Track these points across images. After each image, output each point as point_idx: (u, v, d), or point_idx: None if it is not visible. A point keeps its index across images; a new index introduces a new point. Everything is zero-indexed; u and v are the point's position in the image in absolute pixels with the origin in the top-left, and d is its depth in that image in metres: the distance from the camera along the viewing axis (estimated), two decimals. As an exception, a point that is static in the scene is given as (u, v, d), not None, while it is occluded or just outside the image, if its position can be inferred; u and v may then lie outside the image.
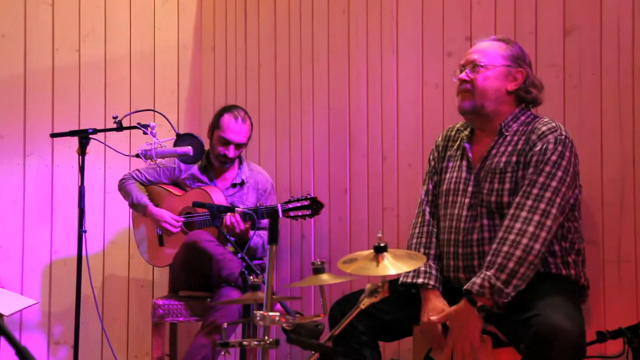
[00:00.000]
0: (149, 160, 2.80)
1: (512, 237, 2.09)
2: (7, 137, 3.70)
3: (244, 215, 3.01)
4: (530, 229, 2.08)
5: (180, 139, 2.83)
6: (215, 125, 3.28)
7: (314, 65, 3.40)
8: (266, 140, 3.62)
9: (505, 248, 2.09)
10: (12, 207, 3.66)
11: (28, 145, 3.73)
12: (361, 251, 1.96)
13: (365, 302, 1.95)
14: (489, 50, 2.29)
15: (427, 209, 2.42)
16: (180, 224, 3.21)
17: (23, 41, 3.72)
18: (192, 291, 3.17)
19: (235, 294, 2.93)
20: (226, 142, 3.24)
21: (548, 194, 2.10)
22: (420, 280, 2.26)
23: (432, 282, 2.27)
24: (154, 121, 2.83)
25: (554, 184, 2.11)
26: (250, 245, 3.17)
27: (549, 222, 2.09)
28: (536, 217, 2.09)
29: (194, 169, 3.34)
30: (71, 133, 2.94)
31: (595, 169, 2.42)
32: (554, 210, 2.10)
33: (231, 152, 3.25)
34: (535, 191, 2.11)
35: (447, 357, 2.17)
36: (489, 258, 2.11)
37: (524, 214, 2.10)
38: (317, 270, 2.10)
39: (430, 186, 2.45)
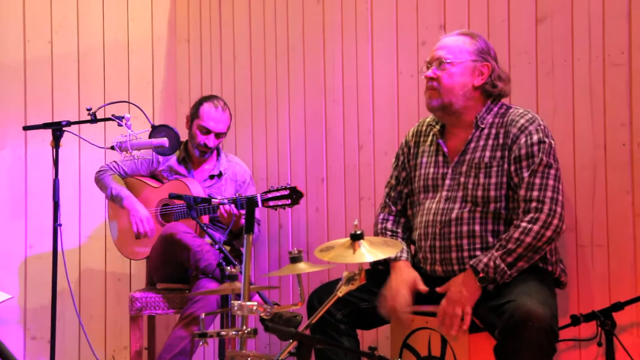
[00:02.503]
0: (124, 153, 2.77)
1: (524, 224, 2.13)
2: (-22, 131, 3.65)
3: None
4: (542, 216, 2.12)
5: (156, 131, 2.80)
6: (195, 114, 3.26)
7: (289, 55, 3.39)
8: (242, 131, 3.60)
9: (516, 235, 2.13)
10: (-15, 202, 3.62)
11: (0, 139, 3.67)
12: (338, 239, 1.97)
13: (342, 290, 1.96)
14: (454, 46, 2.29)
15: (391, 204, 2.44)
16: (152, 224, 3.19)
17: (-8, 33, 3.67)
18: (170, 283, 3.16)
19: (213, 285, 2.92)
20: (206, 131, 3.22)
21: (551, 182, 2.15)
22: (392, 255, 2.27)
23: (404, 255, 2.29)
24: (129, 113, 2.80)
25: (552, 172, 2.17)
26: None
27: (558, 209, 2.14)
28: (546, 206, 2.13)
29: (172, 160, 3.32)
30: (44, 125, 2.90)
31: (567, 156, 2.45)
32: (559, 197, 2.16)
33: (211, 141, 3.23)
34: (537, 181, 2.15)
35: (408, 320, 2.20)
36: (500, 242, 2.15)
37: (533, 204, 2.14)
38: (294, 259, 2.10)
39: (394, 181, 2.46)
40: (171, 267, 3.11)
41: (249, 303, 2.00)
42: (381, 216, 2.46)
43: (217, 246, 2.73)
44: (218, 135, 3.25)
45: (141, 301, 3.07)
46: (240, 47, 3.62)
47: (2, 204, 3.68)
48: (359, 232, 1.93)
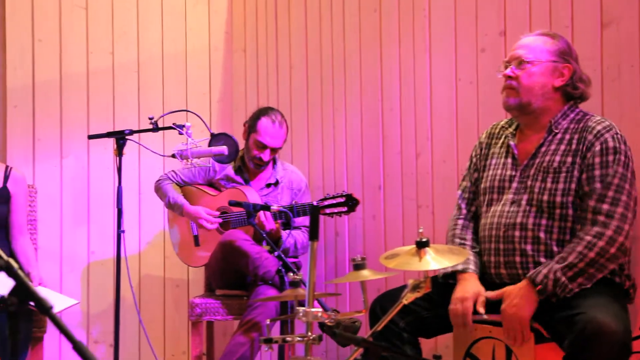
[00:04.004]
0: (184, 161, 2.81)
1: (588, 238, 2.08)
2: (44, 139, 3.76)
3: (275, 215, 3.02)
4: (609, 232, 2.06)
5: (215, 139, 2.84)
6: (252, 128, 3.28)
7: (345, 64, 3.40)
8: (299, 140, 3.63)
9: (579, 248, 2.07)
10: (50, 209, 3.71)
11: (65, 147, 3.78)
12: (403, 247, 1.96)
13: (408, 297, 1.95)
14: (534, 45, 2.25)
15: (464, 205, 2.40)
16: (217, 220, 3.22)
17: (59, 45, 3.77)
18: (229, 290, 3.19)
19: (272, 292, 2.94)
20: (262, 146, 3.25)
21: (624, 197, 2.08)
22: (459, 267, 2.25)
23: (471, 267, 2.25)
24: (188, 122, 2.84)
25: (626, 187, 2.10)
26: (285, 245, 3.18)
27: (626, 227, 2.08)
28: (614, 222, 2.07)
29: (229, 169, 3.35)
30: (109, 134, 2.96)
31: (636, 163, 2.38)
32: (629, 215, 2.09)
33: (266, 155, 3.26)
34: (610, 194, 2.09)
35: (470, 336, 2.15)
36: (561, 255, 2.09)
37: (601, 218, 2.08)
38: (358, 266, 2.10)
39: (468, 183, 2.43)
40: (230, 274, 3.14)
41: (313, 309, 2.01)
42: (452, 222, 2.43)
43: (275, 253, 2.74)
44: (274, 150, 3.28)
45: (201, 307, 3.11)
46: (297, 56, 3.65)
47: (66, 211, 3.77)
48: (424, 240, 1.92)
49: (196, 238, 3.32)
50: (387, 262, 1.94)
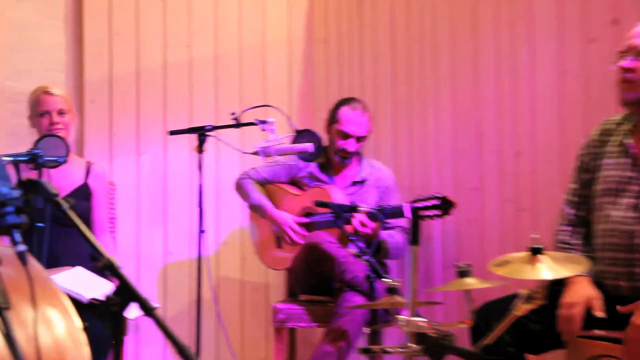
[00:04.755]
0: (267, 158, 2.84)
1: None
2: (120, 134, 3.86)
3: (370, 215, 3.02)
4: None
5: (299, 136, 2.85)
6: (333, 119, 3.30)
7: (436, 55, 3.38)
8: (384, 137, 3.62)
9: None
10: (127, 207, 3.80)
11: (142, 143, 3.87)
12: (514, 253, 1.94)
13: (520, 309, 1.93)
14: None
15: (571, 209, 2.35)
16: (303, 233, 3.25)
17: (136, 38, 3.87)
18: (313, 295, 3.21)
19: (359, 298, 2.94)
20: (346, 136, 3.26)
21: None
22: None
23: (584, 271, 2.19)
24: (270, 118, 2.86)
25: None
26: (389, 246, 3.18)
27: None
28: None
29: (313, 166, 3.37)
30: (190, 130, 3.01)
31: None
32: None
33: (351, 145, 3.27)
34: None
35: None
36: None
37: None
38: (463, 274, 2.09)
39: (577, 185, 2.37)
40: (314, 278, 3.15)
41: (416, 318, 2.01)
42: (558, 227, 2.37)
43: (365, 257, 2.74)
44: (358, 140, 3.27)
45: (284, 313, 3.14)
46: (383, 48, 3.64)
47: (143, 208, 3.87)
48: (539, 246, 1.90)
49: (278, 240, 3.36)
50: (497, 270, 1.92)
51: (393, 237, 3.22)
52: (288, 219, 3.26)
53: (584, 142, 2.40)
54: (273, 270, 3.59)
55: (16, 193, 1.34)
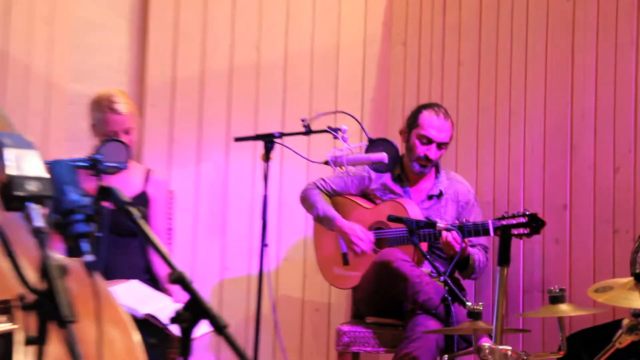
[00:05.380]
0: (337, 168, 2.84)
1: None
2: (182, 141, 3.92)
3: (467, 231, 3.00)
4: None
5: (373, 145, 2.85)
6: (413, 124, 3.30)
7: (527, 60, 3.35)
8: (466, 146, 3.59)
9: None
10: (184, 217, 3.84)
11: (203, 150, 3.93)
12: (618, 278, 1.90)
13: (623, 340, 1.88)
14: None
15: None
16: (372, 243, 3.23)
17: (202, 39, 3.93)
18: (381, 318, 3.18)
19: (434, 323, 2.91)
20: (428, 141, 3.25)
21: None
22: None
23: None
24: (343, 125, 2.86)
25: None
26: (475, 264, 3.16)
27: None
28: None
29: (386, 178, 3.36)
30: (257, 137, 3.03)
31: None
32: None
33: (433, 152, 3.25)
34: None
35: None
36: None
37: None
38: (555, 299, 2.05)
39: None
40: (384, 299, 3.13)
41: (501, 347, 1.96)
42: None
43: (442, 278, 2.70)
44: (440, 146, 3.26)
45: (349, 335, 3.12)
46: (467, 52, 3.63)
47: (201, 219, 3.91)
48: None
49: (345, 256, 3.35)
50: (597, 296, 1.88)
51: (476, 255, 3.18)
52: (356, 228, 3.25)
53: None
54: (337, 289, 3.58)
55: (87, 200, 1.35)
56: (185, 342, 1.38)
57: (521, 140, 3.35)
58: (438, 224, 2.91)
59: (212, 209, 3.91)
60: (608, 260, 2.98)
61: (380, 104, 4.00)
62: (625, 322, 1.82)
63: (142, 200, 3.19)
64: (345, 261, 3.34)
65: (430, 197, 3.33)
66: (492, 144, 3.48)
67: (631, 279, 1.83)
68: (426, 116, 3.27)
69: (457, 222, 3.14)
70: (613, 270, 2.93)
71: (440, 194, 3.32)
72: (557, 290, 1.97)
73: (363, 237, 3.23)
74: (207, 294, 3.87)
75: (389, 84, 3.99)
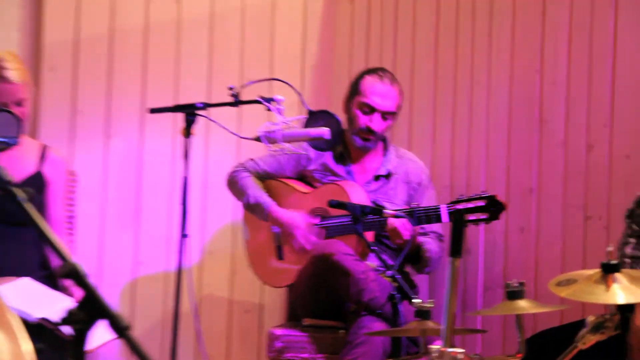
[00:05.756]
0: (271, 145, 2.82)
1: None
2: (87, 112, 3.85)
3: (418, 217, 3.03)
4: None
5: (313, 118, 2.85)
6: (354, 90, 3.32)
7: (491, 22, 3.39)
8: (421, 122, 3.62)
9: None
10: (89, 202, 3.78)
11: (113, 124, 3.86)
12: (583, 270, 1.93)
13: (587, 340, 1.92)
14: None
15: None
16: (317, 238, 3.24)
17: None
18: (320, 320, 3.19)
19: (380, 325, 2.93)
20: (370, 110, 3.27)
21: None
22: None
23: None
24: (278, 95, 2.84)
25: None
26: (427, 254, 3.17)
27: None
28: None
29: (326, 157, 3.37)
30: (176, 108, 3.00)
31: None
32: None
33: (377, 123, 3.27)
34: None
35: None
36: None
37: None
38: (514, 295, 2.09)
39: None
40: (324, 299, 3.15)
41: (452, 350, 1.98)
42: (622, 240, 2.35)
43: (389, 273, 2.72)
44: (385, 116, 3.28)
45: (283, 340, 3.13)
46: (424, 10, 3.66)
47: (110, 206, 3.86)
48: (614, 262, 1.90)
49: (280, 249, 3.34)
50: (559, 290, 1.92)
51: (429, 244, 3.22)
52: (299, 220, 3.25)
53: None
54: (270, 287, 3.57)
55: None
56: (79, 346, 1.35)
57: (484, 113, 3.39)
58: (385, 210, 2.94)
59: (123, 194, 3.86)
60: (579, 251, 3.05)
61: (323, 70, 3.99)
62: (590, 319, 1.86)
63: (36, 182, 3.14)
64: (280, 255, 3.34)
65: (377, 178, 3.34)
66: (451, 118, 3.51)
67: (598, 270, 1.87)
68: (369, 82, 3.29)
69: (407, 207, 3.17)
70: (584, 262, 2.99)
71: (389, 174, 3.34)
72: (516, 285, 1.99)
73: (307, 236, 3.23)
74: (117, 294, 3.83)
75: (333, 48, 3.99)
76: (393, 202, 3.27)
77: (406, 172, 3.35)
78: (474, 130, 3.42)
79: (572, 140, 3.10)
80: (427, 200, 3.29)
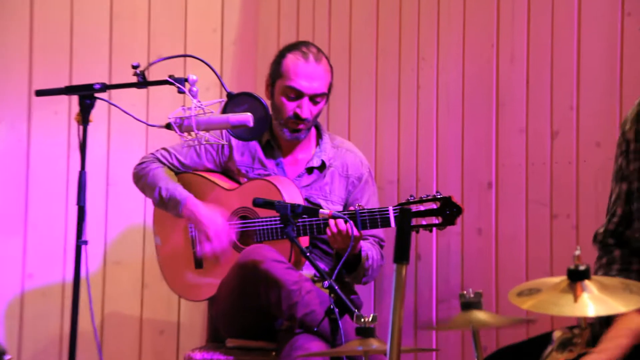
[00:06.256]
0: (185, 134, 2.82)
1: None
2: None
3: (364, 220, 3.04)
4: None
5: (234, 102, 2.84)
6: (276, 73, 3.33)
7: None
8: (360, 106, 3.64)
9: None
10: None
11: (-4, 107, 3.82)
12: (547, 278, 1.95)
13: (553, 358, 1.94)
14: None
15: (609, 242, 2.36)
16: (230, 240, 3.25)
17: None
18: (247, 340, 3.20)
19: (318, 344, 2.94)
20: (296, 95, 3.28)
21: None
22: None
23: None
24: (192, 75, 2.84)
25: None
26: (368, 263, 3.19)
27: None
28: None
29: (253, 147, 3.37)
30: (68, 90, 2.96)
31: None
32: None
33: (306, 109, 3.27)
34: None
35: None
36: None
37: None
38: (469, 305, 2.10)
39: (617, 200, 2.37)
40: (250, 315, 3.14)
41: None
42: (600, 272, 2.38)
43: (326, 283, 2.74)
44: (314, 100, 3.29)
45: (203, 365, 3.13)
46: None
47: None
48: (582, 268, 1.91)
49: (197, 256, 3.34)
50: (521, 301, 1.93)
51: (369, 251, 3.23)
52: (215, 219, 3.24)
53: (622, 123, 2.37)
54: (188, 301, 3.58)
55: None
56: None
57: (433, 95, 3.43)
58: (322, 211, 2.96)
59: (7, 193, 3.83)
60: (545, 255, 3.10)
61: (246, 48, 4.01)
62: (557, 334, 1.86)
63: None
64: (198, 263, 3.34)
65: (309, 171, 3.36)
66: (396, 102, 3.54)
67: (564, 277, 1.88)
68: (291, 61, 3.30)
69: (349, 205, 3.22)
70: (551, 267, 3.05)
71: (324, 166, 3.36)
72: (472, 295, 2.00)
73: (218, 234, 3.22)
74: (1, 311, 3.79)
75: (257, 20, 4.00)
76: (329, 199, 3.31)
77: (344, 164, 3.38)
78: (422, 115, 3.46)
79: (534, 125, 3.14)
80: (368, 198, 3.33)
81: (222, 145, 3.39)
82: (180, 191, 3.32)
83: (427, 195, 2.96)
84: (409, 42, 3.52)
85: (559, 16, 3.11)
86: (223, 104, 2.83)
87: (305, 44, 3.36)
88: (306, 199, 3.26)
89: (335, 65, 3.44)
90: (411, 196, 2.99)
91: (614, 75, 2.98)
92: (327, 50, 3.63)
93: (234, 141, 3.36)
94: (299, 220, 3.02)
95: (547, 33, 3.13)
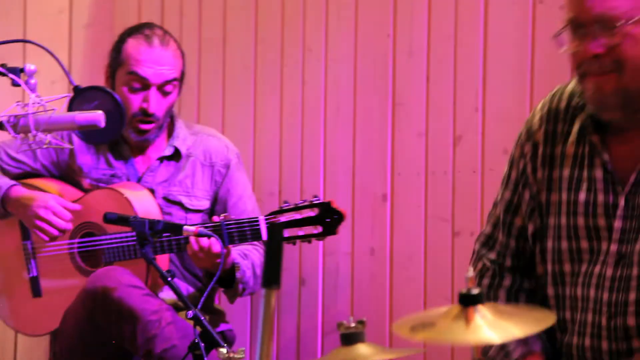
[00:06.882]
0: (21, 135, 2.83)
1: None
2: None
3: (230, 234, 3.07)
4: None
5: (81, 97, 2.85)
6: (116, 62, 3.35)
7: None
8: (233, 106, 3.69)
9: None
10: None
11: None
12: (438, 307, 2.01)
13: None
14: None
15: (489, 257, 2.46)
16: (71, 218, 3.22)
17: None
18: (96, 380, 3.20)
19: (179, 385, 2.97)
20: (142, 84, 3.29)
21: None
22: (517, 350, 2.31)
23: (536, 346, 2.33)
24: (30, 64, 2.86)
25: None
26: (244, 279, 3.20)
27: None
28: None
29: (102, 151, 3.38)
30: None
31: None
32: None
33: (154, 102, 3.29)
34: None
35: None
36: None
37: None
38: (350, 338, 2.14)
39: (502, 211, 2.45)
40: (101, 350, 3.15)
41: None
42: (485, 291, 2.42)
43: (190, 313, 2.77)
44: (163, 89, 3.31)
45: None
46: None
47: None
48: (475, 292, 1.98)
49: (35, 280, 3.34)
50: (412, 334, 1.96)
51: (248, 258, 3.24)
52: (48, 199, 3.20)
53: (520, 132, 2.45)
54: (24, 335, 3.58)
55: None
56: None
57: (320, 92, 3.49)
58: (186, 227, 2.95)
59: None
60: (445, 277, 3.17)
61: (100, 30, 4.02)
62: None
63: None
64: (36, 290, 3.33)
65: (162, 160, 3.36)
66: (278, 99, 3.60)
67: (453, 305, 1.93)
68: (132, 46, 3.32)
69: (219, 201, 3.27)
70: (452, 292, 3.11)
71: (178, 155, 3.35)
72: (352, 325, 2.03)
73: (61, 210, 3.20)
74: None
75: (113, 2, 4.02)
76: (192, 194, 3.33)
77: (206, 151, 3.39)
78: (308, 116, 3.51)
79: (435, 129, 3.21)
80: (243, 190, 3.35)
81: (67, 148, 3.34)
82: (3, 180, 3.28)
83: (304, 201, 3.00)
84: (292, 29, 3.57)
85: (464, 5, 3.20)
86: (69, 99, 2.84)
87: (149, 25, 3.39)
88: (165, 198, 3.29)
89: (207, 54, 3.51)
90: (285, 202, 3.02)
91: (524, 74, 3.09)
92: (197, 37, 3.68)
93: (81, 144, 3.36)
94: (162, 237, 3.05)
95: (450, 24, 3.22)
